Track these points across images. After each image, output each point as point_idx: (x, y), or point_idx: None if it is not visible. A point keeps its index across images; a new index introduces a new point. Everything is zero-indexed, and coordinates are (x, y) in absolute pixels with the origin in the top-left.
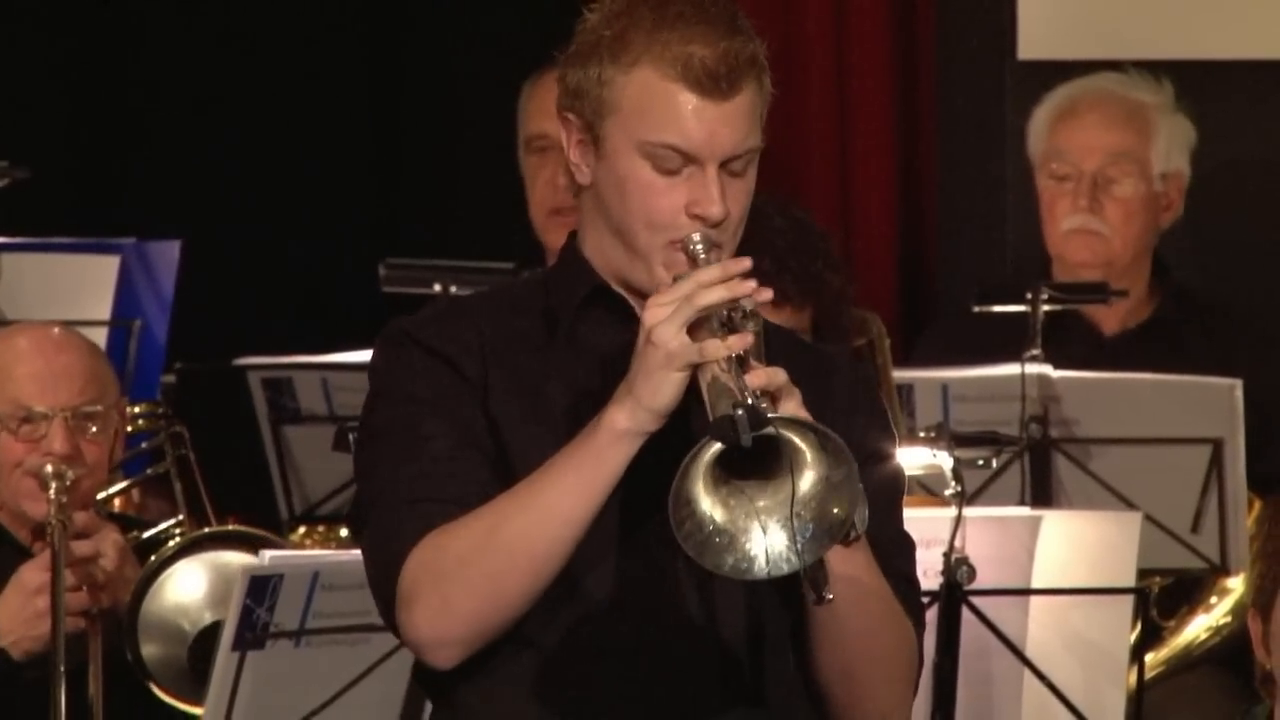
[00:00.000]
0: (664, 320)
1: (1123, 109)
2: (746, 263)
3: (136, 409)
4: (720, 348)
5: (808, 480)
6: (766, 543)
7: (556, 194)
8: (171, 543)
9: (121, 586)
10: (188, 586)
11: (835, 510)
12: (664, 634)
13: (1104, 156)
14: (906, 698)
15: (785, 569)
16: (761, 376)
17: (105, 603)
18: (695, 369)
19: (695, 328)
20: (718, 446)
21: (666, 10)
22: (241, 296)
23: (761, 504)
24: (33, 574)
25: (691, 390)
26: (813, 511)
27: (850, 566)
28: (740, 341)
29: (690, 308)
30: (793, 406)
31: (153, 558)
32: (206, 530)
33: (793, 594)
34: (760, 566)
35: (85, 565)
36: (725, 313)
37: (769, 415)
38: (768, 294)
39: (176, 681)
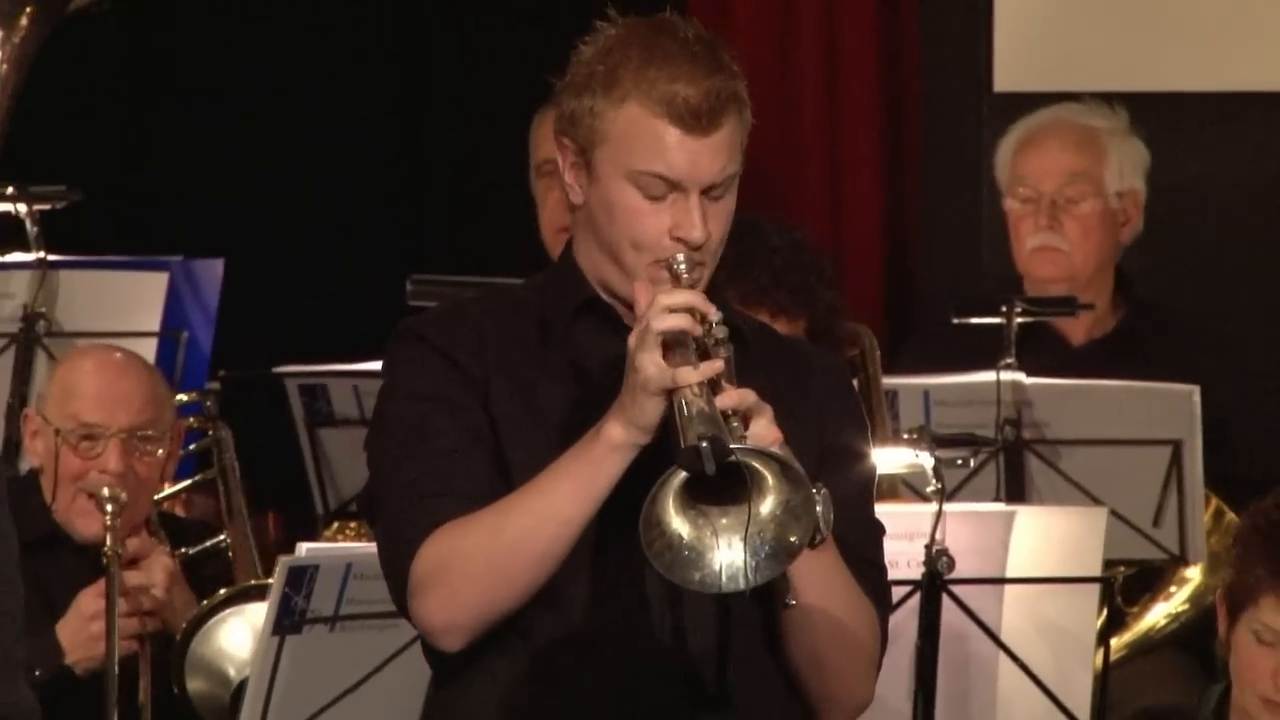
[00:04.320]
0: (638, 347)
1: (1077, 134)
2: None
3: (186, 398)
4: (692, 374)
5: (768, 504)
6: (729, 559)
7: (565, 214)
8: (222, 591)
9: (170, 610)
10: (235, 638)
11: (792, 534)
12: (636, 636)
13: (1061, 178)
14: (871, 675)
15: (745, 584)
16: (733, 397)
17: (154, 627)
18: (672, 392)
19: (671, 353)
20: (684, 474)
21: (654, 49)
22: (280, 310)
23: (725, 523)
24: (89, 601)
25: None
26: (771, 533)
27: (817, 566)
28: (710, 368)
29: (651, 335)
30: (764, 424)
31: (205, 603)
32: (254, 583)
33: (763, 593)
34: (724, 582)
35: (137, 594)
36: (700, 339)
37: (732, 445)
38: (716, 315)
39: (217, 716)
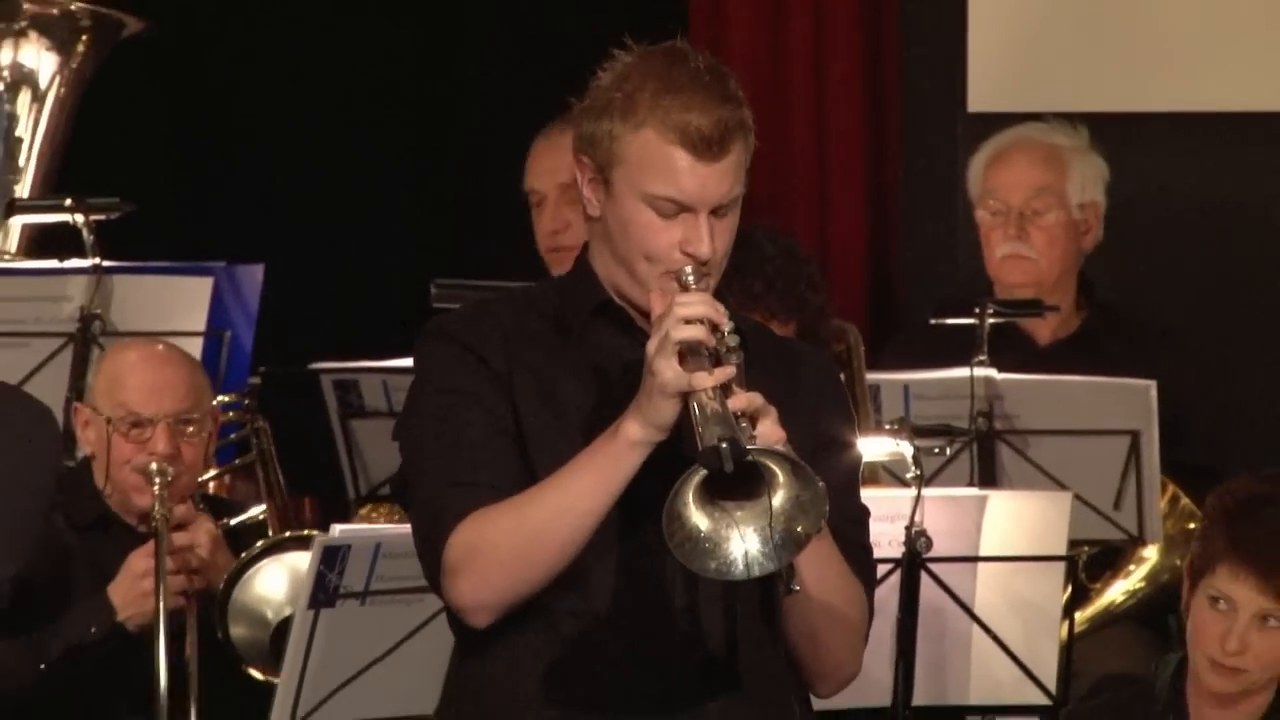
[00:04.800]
0: (657, 353)
1: (1041, 152)
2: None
3: (227, 399)
4: (707, 379)
5: (779, 499)
6: (744, 549)
7: (550, 237)
8: (259, 542)
9: (214, 570)
10: (272, 583)
11: (800, 526)
12: (649, 617)
13: (1028, 192)
14: (859, 648)
15: (759, 571)
16: (742, 400)
17: (199, 585)
18: (687, 395)
19: (687, 359)
20: (704, 471)
21: (668, 79)
22: (315, 311)
23: (739, 515)
24: (139, 561)
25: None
26: (782, 525)
27: (813, 553)
28: (723, 373)
29: (669, 342)
30: (769, 424)
31: (243, 555)
32: (288, 534)
33: (768, 579)
34: (739, 569)
35: (183, 554)
36: (714, 346)
37: (748, 447)
38: (728, 325)
39: (258, 658)
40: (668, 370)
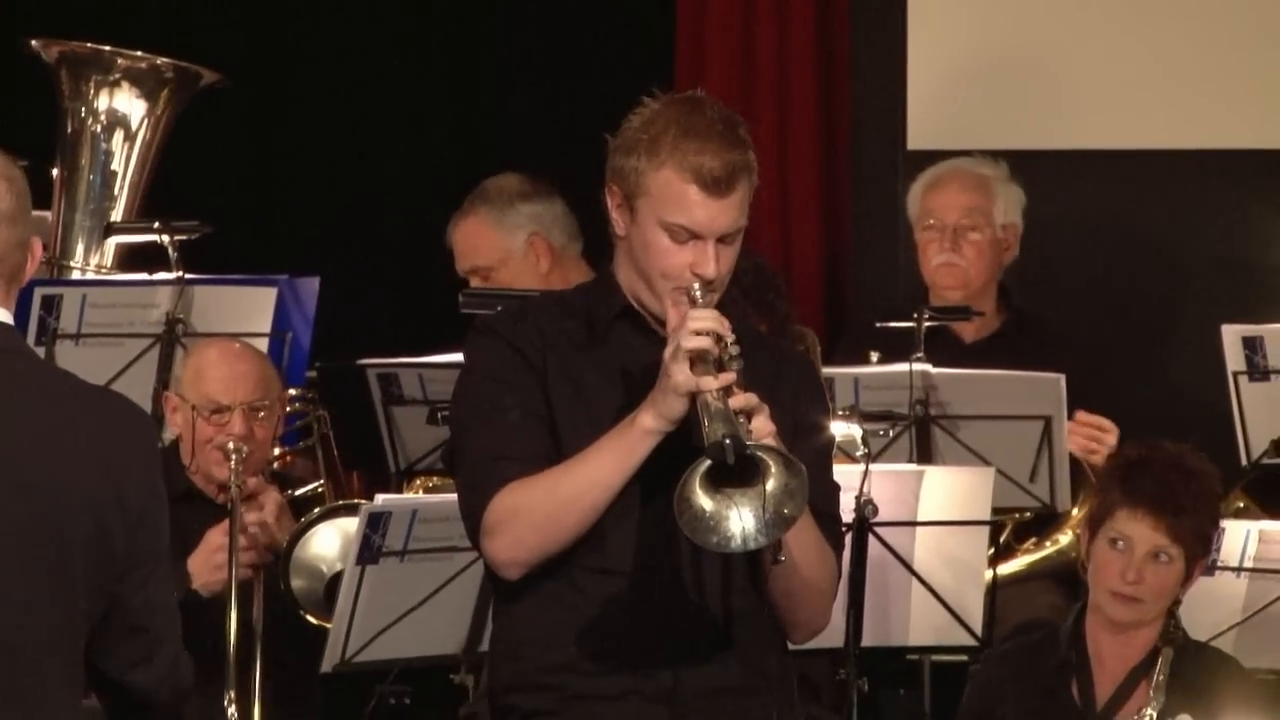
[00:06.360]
0: (671, 358)
1: (972, 180)
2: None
3: (293, 392)
4: (712, 382)
5: (771, 485)
6: (741, 526)
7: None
8: (316, 509)
9: (279, 533)
10: (326, 543)
11: (787, 509)
12: (658, 573)
13: (960, 213)
14: (829, 604)
15: (753, 546)
16: (741, 400)
17: (266, 559)
18: (695, 394)
19: (697, 365)
20: (710, 461)
21: (687, 125)
22: (361, 316)
23: (738, 499)
24: (216, 536)
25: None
26: (773, 507)
27: (794, 525)
28: (726, 378)
29: (682, 350)
30: (762, 420)
31: (303, 519)
32: (340, 503)
33: (757, 550)
34: (736, 544)
35: (253, 531)
36: (719, 355)
37: (748, 443)
38: (731, 336)
39: (315, 606)
40: (680, 374)
